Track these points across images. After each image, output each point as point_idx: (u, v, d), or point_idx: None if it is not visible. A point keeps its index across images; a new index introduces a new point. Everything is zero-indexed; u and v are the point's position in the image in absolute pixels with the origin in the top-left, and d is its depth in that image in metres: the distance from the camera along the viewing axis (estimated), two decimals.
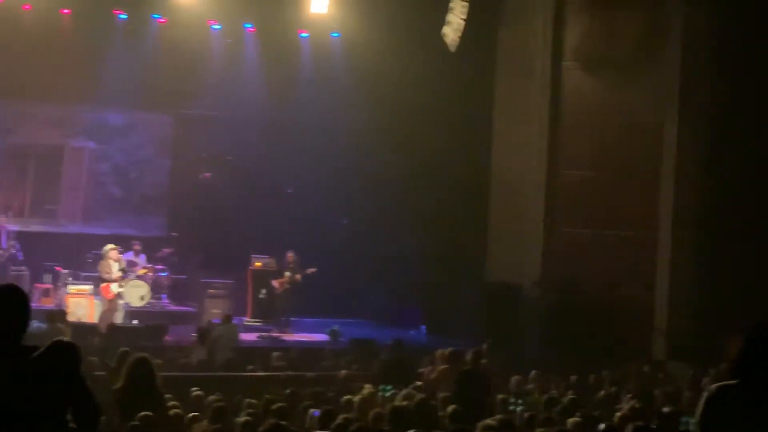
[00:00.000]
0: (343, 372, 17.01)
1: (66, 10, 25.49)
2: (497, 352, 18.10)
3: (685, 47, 22.56)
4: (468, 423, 10.87)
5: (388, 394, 13.77)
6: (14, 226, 24.97)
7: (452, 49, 24.05)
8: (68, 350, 5.63)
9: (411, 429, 10.20)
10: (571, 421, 11.44)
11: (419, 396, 12.59)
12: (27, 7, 25.01)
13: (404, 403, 12.16)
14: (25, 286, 24.07)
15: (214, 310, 23.85)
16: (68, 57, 25.60)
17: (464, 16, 23.64)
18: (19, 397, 5.33)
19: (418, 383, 15.61)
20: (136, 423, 9.97)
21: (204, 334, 19.67)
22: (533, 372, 16.79)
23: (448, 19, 24.07)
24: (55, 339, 5.68)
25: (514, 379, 15.93)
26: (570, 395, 14.10)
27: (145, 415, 10.02)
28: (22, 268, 24.65)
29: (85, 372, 5.82)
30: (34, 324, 18.83)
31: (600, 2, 24.21)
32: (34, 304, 22.97)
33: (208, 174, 26.32)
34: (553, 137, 24.67)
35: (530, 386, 15.98)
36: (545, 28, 24.65)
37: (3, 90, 25.76)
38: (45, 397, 5.41)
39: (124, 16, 26.23)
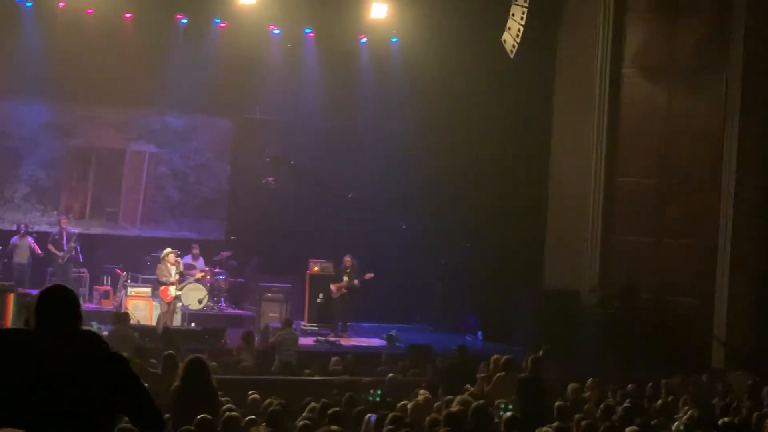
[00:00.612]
0: (390, 375, 17.00)
1: (128, 15, 25.71)
2: (553, 359, 18.00)
3: (747, 54, 22.36)
4: (525, 430, 10.83)
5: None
6: (75, 228, 25.22)
7: (512, 55, 24.00)
8: (121, 362, 5.74)
9: None
10: (628, 429, 11.37)
11: (475, 402, 12.55)
12: (90, 11, 25.26)
13: (460, 408, 12.13)
14: (85, 288, 24.43)
15: (272, 314, 23.98)
16: (130, 61, 25.82)
17: (524, 22, 23.58)
18: (69, 396, 5.40)
19: (473, 390, 15.59)
20: (192, 427, 10.01)
21: (249, 337, 19.75)
22: (590, 380, 16.70)
23: (508, 25, 24.02)
24: (111, 352, 5.76)
25: (571, 386, 15.85)
26: (627, 403, 14.02)
27: (204, 418, 10.06)
28: (83, 270, 24.94)
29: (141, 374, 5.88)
30: (94, 326, 19.05)
31: (661, 9, 24.07)
32: (93, 306, 23.36)
33: (271, 178, 26.33)
34: (612, 144, 24.55)
35: (587, 394, 15.90)
36: (605, 34, 24.53)
37: (65, 93, 26.06)
38: (97, 398, 5.49)
39: (185, 21, 26.43)
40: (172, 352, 14.72)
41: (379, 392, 14.00)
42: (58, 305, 5.63)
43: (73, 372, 5.45)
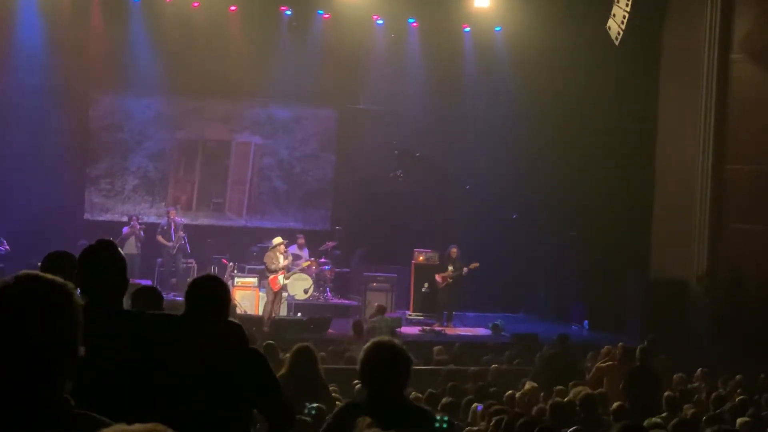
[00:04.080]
0: (493, 366, 16.96)
1: (233, 8, 26.00)
2: (661, 349, 17.81)
3: None
4: (636, 420, 10.73)
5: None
6: (182, 219, 25.53)
7: (617, 42, 23.77)
8: (261, 358, 5.93)
9: (572, 425, 10.11)
10: (740, 420, 11.21)
11: (583, 392, 12.46)
12: (196, 5, 25.61)
13: (568, 399, 12.07)
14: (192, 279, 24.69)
15: (377, 304, 24.00)
16: (235, 53, 26.16)
17: (629, 9, 23.33)
18: (212, 384, 5.54)
19: (580, 381, 15.49)
20: (307, 417, 10.04)
21: (359, 327, 19.78)
22: (699, 370, 16.50)
23: (613, 12, 23.79)
24: (251, 348, 5.97)
25: (677, 376, 15.69)
26: (738, 394, 13.81)
27: (319, 408, 10.09)
28: (190, 260, 25.25)
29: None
30: None
31: None
32: None
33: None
34: (720, 131, 24.16)
35: (696, 384, 15.71)
36: (713, 19, 24.15)
37: (173, 86, 26.45)
38: (235, 389, 5.65)
39: (289, 13, 26.62)
40: (272, 342, 14.81)
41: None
42: (209, 295, 5.77)
43: (217, 361, 5.59)
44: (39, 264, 5.76)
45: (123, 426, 2.57)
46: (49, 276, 3.09)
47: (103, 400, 3.85)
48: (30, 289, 3.03)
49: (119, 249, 5.71)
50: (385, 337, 6.16)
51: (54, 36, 25.47)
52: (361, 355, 5.79)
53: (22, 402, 2.97)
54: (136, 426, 2.57)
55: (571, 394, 12.68)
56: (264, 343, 15.04)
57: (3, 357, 2.97)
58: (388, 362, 5.71)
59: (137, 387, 5.07)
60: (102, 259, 5.57)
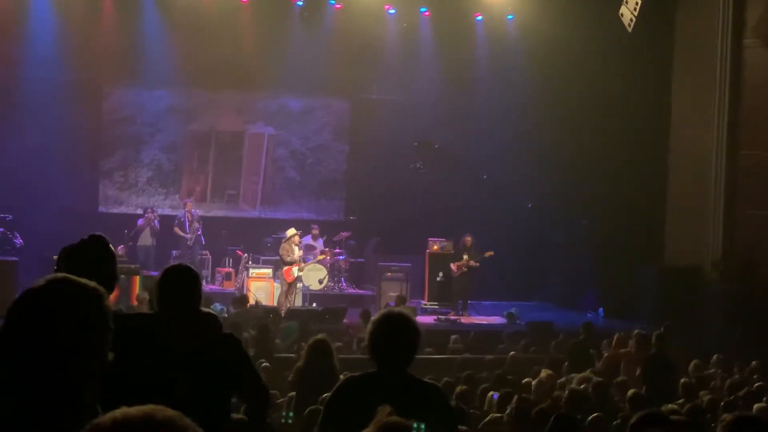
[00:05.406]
0: (511, 353, 16.97)
1: None
2: (676, 336, 17.78)
3: None
4: (651, 407, 10.73)
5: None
6: (198, 211, 25.55)
7: (629, 29, 23.71)
8: (235, 343, 5.95)
9: (589, 413, 10.11)
10: (757, 406, 11.19)
11: (596, 380, 12.46)
12: None
13: (583, 386, 12.06)
14: (207, 270, 24.83)
15: (392, 293, 23.94)
16: (247, 44, 26.10)
17: None
18: (191, 377, 5.54)
19: (598, 367, 15.50)
20: (319, 406, 10.07)
21: (367, 316, 19.79)
22: (715, 356, 16.47)
23: None
24: (226, 334, 5.97)
25: (693, 363, 15.67)
26: (756, 380, 13.80)
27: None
28: (205, 252, 25.30)
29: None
30: (216, 307, 19.36)
31: None
32: (216, 288, 23.72)
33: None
34: (734, 117, 24.09)
35: (712, 371, 15.70)
36: (725, 4, 24.07)
37: (185, 78, 26.43)
38: (214, 378, 5.66)
39: (300, 3, 26.60)
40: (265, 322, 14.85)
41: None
42: (180, 286, 5.78)
43: (193, 355, 5.59)
44: (55, 257, 5.75)
45: (124, 409, 2.56)
46: (81, 279, 3.08)
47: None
48: (60, 292, 3.02)
49: (110, 245, 5.69)
50: (396, 309, 6.16)
51: (66, 29, 25.45)
52: (370, 326, 5.71)
53: (52, 407, 2.96)
54: (136, 408, 2.56)
55: (575, 382, 12.69)
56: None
57: (31, 361, 2.95)
58: (400, 331, 5.64)
59: (123, 385, 5.10)
60: (89, 255, 5.57)
